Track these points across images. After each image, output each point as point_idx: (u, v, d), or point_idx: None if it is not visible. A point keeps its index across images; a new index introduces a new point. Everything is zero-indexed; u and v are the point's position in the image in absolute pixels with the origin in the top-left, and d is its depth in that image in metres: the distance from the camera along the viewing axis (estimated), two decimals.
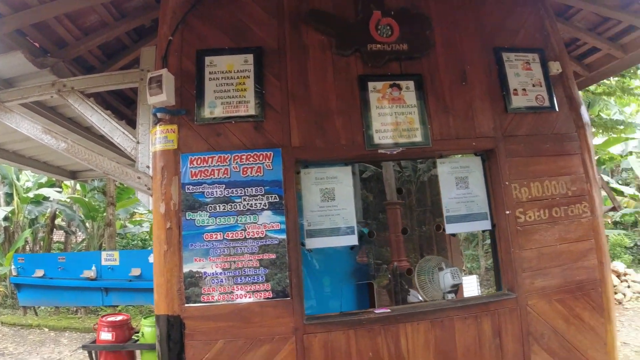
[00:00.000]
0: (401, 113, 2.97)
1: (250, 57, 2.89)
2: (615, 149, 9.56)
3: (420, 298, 3.35)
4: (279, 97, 2.88)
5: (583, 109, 3.31)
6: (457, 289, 3.24)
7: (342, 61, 3.01)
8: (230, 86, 2.85)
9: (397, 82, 3.00)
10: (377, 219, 4.94)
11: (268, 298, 2.65)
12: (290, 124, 2.86)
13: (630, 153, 10.12)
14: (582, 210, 3.08)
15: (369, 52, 2.99)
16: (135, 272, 5.93)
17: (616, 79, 8.40)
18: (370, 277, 4.07)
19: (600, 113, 10.24)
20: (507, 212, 2.94)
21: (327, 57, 3.00)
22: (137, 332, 4.90)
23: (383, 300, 4.18)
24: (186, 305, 2.62)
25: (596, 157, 8.95)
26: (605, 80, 8.24)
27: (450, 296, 3.20)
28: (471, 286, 4.30)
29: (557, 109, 3.21)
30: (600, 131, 8.06)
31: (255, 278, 2.66)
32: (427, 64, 3.10)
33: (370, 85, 2.97)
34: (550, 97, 3.23)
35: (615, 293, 8.27)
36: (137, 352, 5.09)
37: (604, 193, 3.58)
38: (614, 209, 3.52)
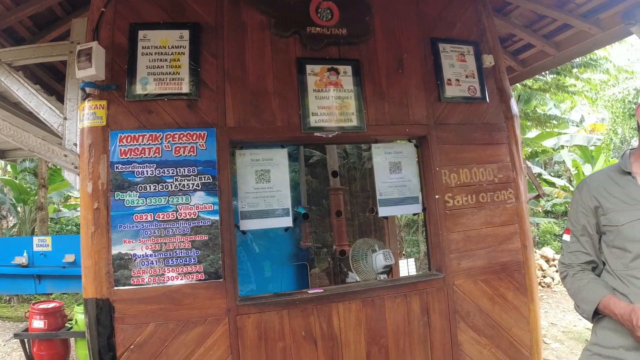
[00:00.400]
0: (338, 97, 3.00)
1: (186, 33, 2.79)
2: (549, 143, 10.17)
3: (358, 279, 3.44)
4: (214, 76, 2.81)
5: (512, 101, 3.48)
6: (389, 269, 3.35)
7: (281, 42, 2.98)
8: (164, 62, 2.75)
9: (335, 66, 3.01)
10: (321, 204, 5.01)
11: (200, 280, 2.62)
12: (225, 103, 2.80)
13: (562, 147, 10.79)
14: (508, 196, 3.25)
15: (308, 35, 2.98)
16: (70, 258, 5.67)
17: (552, 76, 8.88)
18: (308, 260, 4.13)
19: (536, 108, 10.84)
20: (437, 197, 3.06)
21: (266, 37, 2.96)
22: (71, 320, 4.73)
23: (323, 284, 4.26)
24: (115, 288, 2.54)
25: (530, 150, 9.48)
26: (541, 77, 8.72)
27: (382, 277, 3.31)
28: (408, 269, 4.47)
29: (488, 100, 3.36)
30: (535, 125, 8.53)
31: (187, 260, 2.62)
32: (365, 50, 3.13)
33: (309, 68, 2.96)
34: (482, 88, 3.37)
35: (544, 277, 8.85)
36: (72, 340, 4.93)
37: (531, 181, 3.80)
38: (538, 196, 3.75)
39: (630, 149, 1.79)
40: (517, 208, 3.26)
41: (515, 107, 3.46)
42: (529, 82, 8.72)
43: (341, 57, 3.07)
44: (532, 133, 9.86)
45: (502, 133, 3.33)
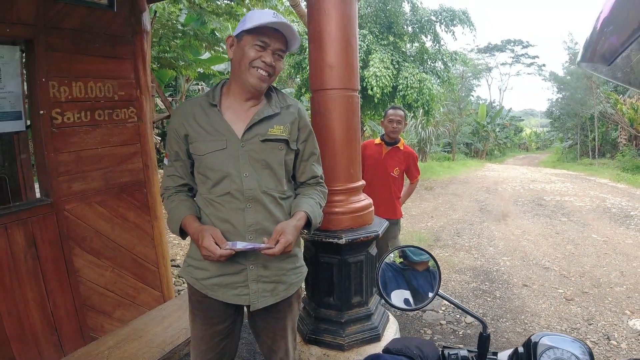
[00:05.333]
0: None
1: None
2: (219, 67, 10.67)
3: None
4: None
5: (145, 15, 3.30)
6: None
7: None
8: None
9: None
10: None
11: None
12: None
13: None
14: (129, 115, 3.13)
15: None
16: None
17: (226, 2, 9.09)
18: None
19: (215, 32, 11.08)
20: (41, 112, 2.65)
21: None
22: None
23: None
24: None
25: (202, 71, 9.74)
26: (218, 2, 8.83)
27: None
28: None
29: (115, 9, 3.04)
30: (206, 47, 8.67)
31: None
32: None
33: None
34: None
35: None
36: None
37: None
38: (169, 116, 3.83)
39: (225, 81, 1.85)
40: (140, 127, 3.19)
41: (147, 23, 3.30)
42: (203, 3, 8.73)
43: None
44: (206, 55, 10.07)
45: (128, 47, 3.12)
